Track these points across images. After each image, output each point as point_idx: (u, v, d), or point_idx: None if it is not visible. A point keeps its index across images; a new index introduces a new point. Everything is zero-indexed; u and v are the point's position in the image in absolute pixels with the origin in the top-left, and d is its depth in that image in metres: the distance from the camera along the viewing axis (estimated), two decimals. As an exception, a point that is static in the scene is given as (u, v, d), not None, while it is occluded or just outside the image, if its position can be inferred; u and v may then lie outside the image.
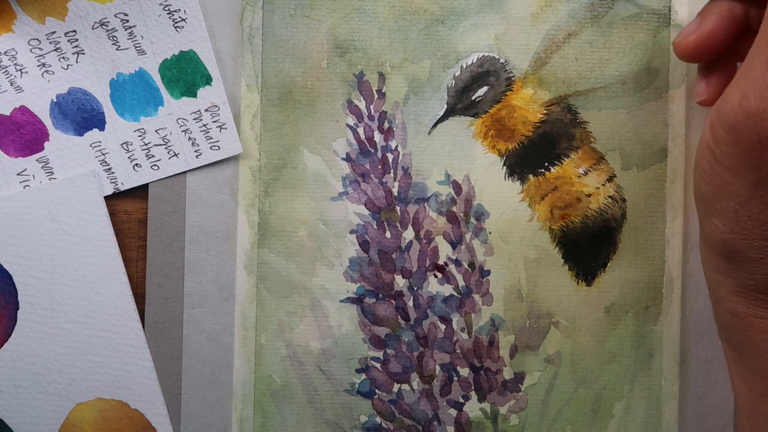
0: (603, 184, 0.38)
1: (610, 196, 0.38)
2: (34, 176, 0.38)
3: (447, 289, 0.38)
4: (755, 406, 0.29)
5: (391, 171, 0.38)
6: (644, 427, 0.39)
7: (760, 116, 0.26)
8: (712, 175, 0.28)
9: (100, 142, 0.38)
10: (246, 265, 0.38)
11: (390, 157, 0.38)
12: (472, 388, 0.39)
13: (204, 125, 0.38)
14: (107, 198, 0.38)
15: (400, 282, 0.38)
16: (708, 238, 0.29)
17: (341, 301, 0.38)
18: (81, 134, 0.38)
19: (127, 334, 0.38)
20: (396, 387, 0.39)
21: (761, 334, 0.28)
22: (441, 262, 0.38)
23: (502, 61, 0.38)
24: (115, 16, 0.38)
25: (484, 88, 0.38)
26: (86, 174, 0.38)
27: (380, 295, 0.38)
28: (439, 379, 0.38)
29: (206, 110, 0.38)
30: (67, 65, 0.38)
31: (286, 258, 0.38)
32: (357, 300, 0.38)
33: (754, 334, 0.28)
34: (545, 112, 0.38)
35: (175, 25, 0.38)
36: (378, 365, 0.38)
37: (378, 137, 0.38)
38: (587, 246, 0.38)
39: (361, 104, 0.38)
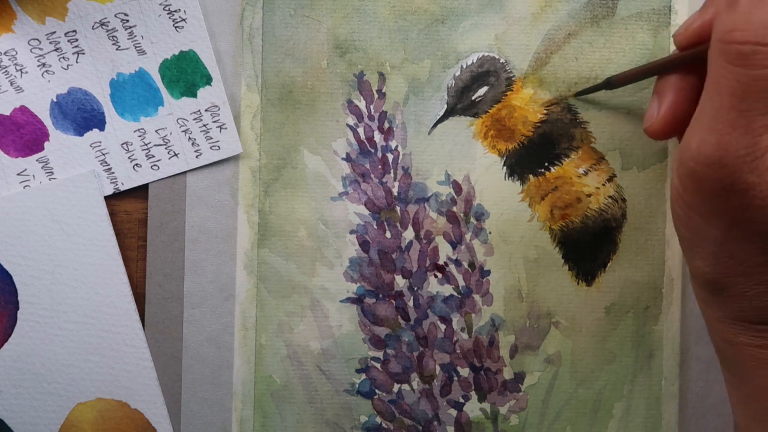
0: (603, 184, 0.38)
1: (610, 196, 0.38)
2: (34, 176, 0.38)
3: (447, 289, 0.38)
4: (747, 429, 0.29)
5: (391, 171, 0.38)
6: (644, 427, 0.39)
7: (719, 164, 0.25)
8: (686, 219, 0.28)
9: (100, 142, 0.38)
10: (246, 265, 0.38)
11: (390, 157, 0.38)
12: (472, 388, 0.39)
13: (204, 125, 0.38)
14: (107, 198, 0.38)
15: (400, 282, 0.38)
16: (693, 274, 0.30)
17: (341, 301, 0.38)
18: (81, 134, 0.38)
19: (127, 334, 0.38)
20: (396, 387, 0.39)
21: (751, 360, 0.28)
22: (441, 262, 0.38)
23: (502, 61, 0.38)
24: (115, 16, 0.38)
25: (484, 88, 0.38)
26: (86, 174, 0.38)
27: (380, 295, 0.38)
28: (439, 379, 0.38)
29: (206, 110, 0.38)
30: (67, 65, 0.38)
31: (286, 258, 0.38)
32: (357, 300, 0.38)
33: (745, 360, 0.28)
34: (545, 112, 0.38)
35: (175, 25, 0.38)
36: (378, 365, 0.38)
37: (378, 137, 0.38)
38: (587, 246, 0.38)
39: (361, 104, 0.38)
